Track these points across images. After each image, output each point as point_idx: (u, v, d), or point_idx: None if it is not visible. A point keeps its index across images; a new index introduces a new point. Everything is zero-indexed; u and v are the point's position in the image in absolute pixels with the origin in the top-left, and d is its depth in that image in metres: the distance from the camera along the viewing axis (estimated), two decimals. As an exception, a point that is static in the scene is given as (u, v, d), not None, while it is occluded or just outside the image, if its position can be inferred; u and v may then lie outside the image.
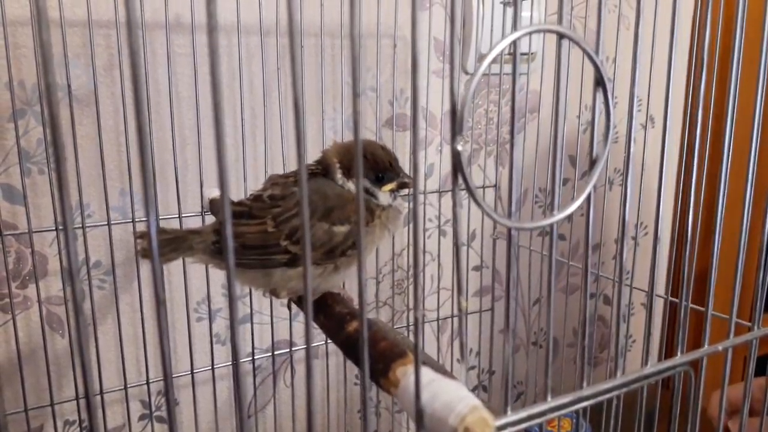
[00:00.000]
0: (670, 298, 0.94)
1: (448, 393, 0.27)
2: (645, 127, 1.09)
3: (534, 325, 1.09)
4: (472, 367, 1.04)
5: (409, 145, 0.90)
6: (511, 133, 0.29)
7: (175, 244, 0.47)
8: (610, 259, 1.13)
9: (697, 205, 0.72)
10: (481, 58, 0.98)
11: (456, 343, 1.02)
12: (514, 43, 0.28)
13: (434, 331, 1.00)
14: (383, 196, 0.51)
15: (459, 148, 0.27)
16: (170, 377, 0.19)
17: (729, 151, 0.39)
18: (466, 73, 0.93)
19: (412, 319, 0.96)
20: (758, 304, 0.43)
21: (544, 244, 0.97)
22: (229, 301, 0.21)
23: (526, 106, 0.98)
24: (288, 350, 0.83)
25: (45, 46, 0.18)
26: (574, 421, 0.95)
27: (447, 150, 0.94)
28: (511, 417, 0.29)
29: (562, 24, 0.29)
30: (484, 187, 0.95)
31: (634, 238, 1.05)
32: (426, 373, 0.28)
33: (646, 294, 0.52)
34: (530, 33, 0.27)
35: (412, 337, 0.97)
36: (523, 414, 0.29)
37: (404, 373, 0.29)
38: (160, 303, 0.19)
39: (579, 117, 1.01)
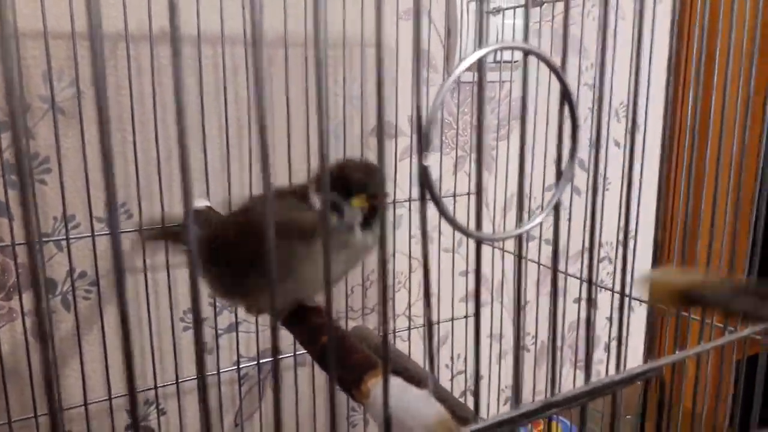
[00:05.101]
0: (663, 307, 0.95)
1: (416, 404, 0.28)
2: (626, 131, 1.10)
3: (522, 329, 1.10)
4: (460, 372, 1.05)
5: (395, 153, 0.91)
6: (479, 145, 0.29)
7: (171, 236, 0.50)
8: (596, 264, 1.14)
9: (666, 212, 0.73)
10: (481, 93, 0.99)
11: (444, 349, 1.03)
12: (480, 60, 0.28)
13: (422, 336, 1.00)
14: (351, 211, 0.46)
15: (426, 163, 0.27)
16: (135, 392, 0.20)
17: (698, 155, 0.40)
18: (451, 81, 0.94)
19: (399, 326, 0.97)
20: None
21: (529, 250, 0.97)
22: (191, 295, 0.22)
23: (509, 114, 0.99)
24: (273, 359, 0.84)
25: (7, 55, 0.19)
26: (562, 425, 0.96)
27: (433, 157, 0.95)
28: (480, 424, 0.29)
29: (528, 40, 0.30)
30: (469, 194, 0.96)
31: (615, 243, 1.06)
32: (396, 384, 0.29)
33: (632, 299, 0.53)
34: (496, 50, 0.28)
35: (398, 343, 0.97)
36: (492, 421, 0.30)
37: (375, 384, 0.30)
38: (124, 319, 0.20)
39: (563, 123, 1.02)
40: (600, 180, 1.12)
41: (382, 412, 0.27)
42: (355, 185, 0.45)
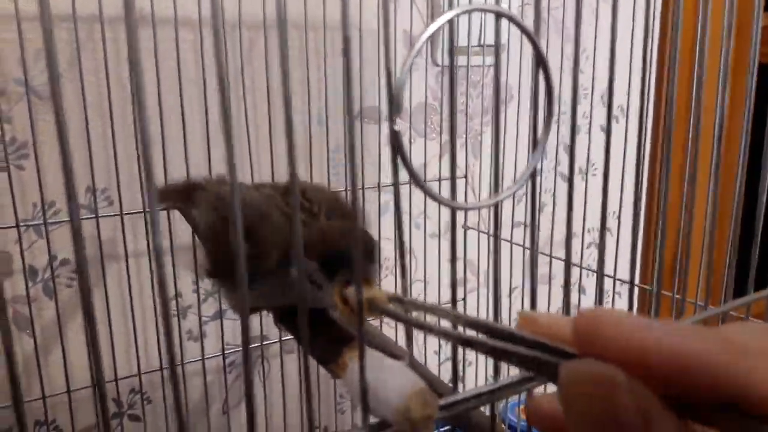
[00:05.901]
0: (641, 285, 0.95)
1: (392, 375, 0.27)
2: (608, 118, 1.10)
3: (513, 313, 1.10)
4: (449, 359, 1.05)
5: (379, 138, 0.90)
6: (452, 121, 0.29)
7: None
8: (585, 248, 1.15)
9: (651, 195, 0.73)
10: (452, 50, 0.99)
11: (432, 335, 1.03)
12: (451, 29, 0.28)
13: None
14: (328, 291, 0.35)
15: (397, 128, 0.27)
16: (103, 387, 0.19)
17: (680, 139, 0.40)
18: (436, 64, 0.94)
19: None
20: (697, 284, 0.44)
21: (514, 234, 0.97)
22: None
23: (497, 97, 0.98)
24: (259, 345, 0.83)
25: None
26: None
27: (419, 142, 0.94)
28: (458, 396, 0.29)
29: (500, 4, 0.30)
30: (454, 178, 0.96)
31: (601, 228, 1.06)
32: (372, 356, 0.28)
33: (622, 282, 0.53)
34: (464, 13, 0.27)
35: (385, 329, 0.97)
36: (470, 393, 0.29)
37: (352, 357, 0.29)
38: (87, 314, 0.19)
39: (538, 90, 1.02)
40: (590, 166, 1.11)
41: (358, 383, 0.27)
42: (339, 264, 0.36)
